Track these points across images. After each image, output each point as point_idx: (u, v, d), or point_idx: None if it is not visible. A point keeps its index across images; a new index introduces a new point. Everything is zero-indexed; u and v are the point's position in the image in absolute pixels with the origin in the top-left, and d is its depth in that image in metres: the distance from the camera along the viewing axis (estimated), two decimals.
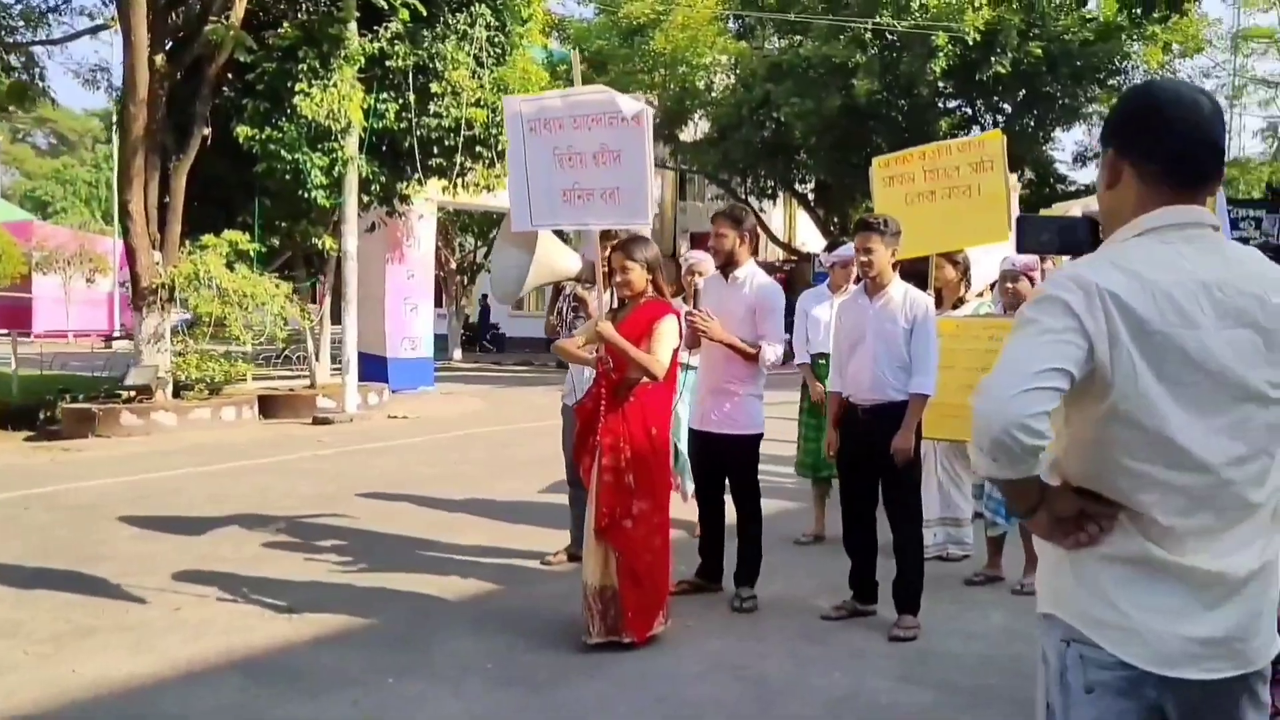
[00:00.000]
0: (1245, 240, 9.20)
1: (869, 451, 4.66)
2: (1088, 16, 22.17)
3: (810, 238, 30.72)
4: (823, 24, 21.86)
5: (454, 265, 26.48)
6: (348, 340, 13.18)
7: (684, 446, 5.67)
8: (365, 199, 13.54)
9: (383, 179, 13.27)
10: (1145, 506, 1.66)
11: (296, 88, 11.63)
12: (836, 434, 4.85)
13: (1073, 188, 25.20)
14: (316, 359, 14.25)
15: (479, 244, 26.81)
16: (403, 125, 12.75)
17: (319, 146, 11.95)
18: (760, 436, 5.08)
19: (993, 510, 5.43)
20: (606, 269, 4.64)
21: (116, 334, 26.91)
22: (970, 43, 20.14)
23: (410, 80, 12.57)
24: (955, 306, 5.77)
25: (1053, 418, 1.61)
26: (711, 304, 5.03)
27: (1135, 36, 21.67)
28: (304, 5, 12.49)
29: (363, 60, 12.19)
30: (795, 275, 26.87)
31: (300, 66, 11.77)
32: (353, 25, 12.17)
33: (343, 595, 5.14)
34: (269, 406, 12.85)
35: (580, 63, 5.26)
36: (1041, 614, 1.81)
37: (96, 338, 26.78)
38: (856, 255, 4.80)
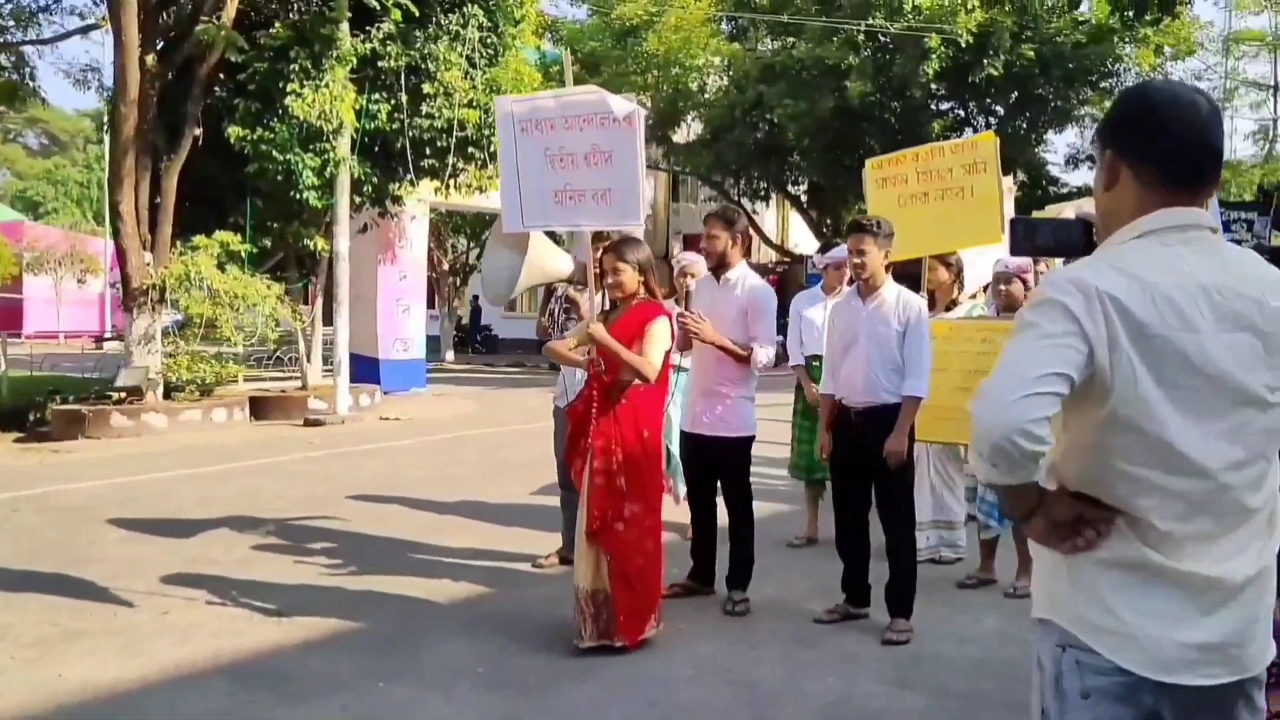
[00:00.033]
0: (1238, 242, 9.19)
1: (862, 454, 4.64)
2: (1080, 19, 22.25)
3: (803, 239, 30.76)
4: (816, 26, 21.87)
5: (446, 266, 26.44)
6: (339, 341, 13.14)
7: (676, 449, 5.64)
8: (357, 200, 13.50)
9: (375, 180, 13.23)
10: (1143, 511, 1.65)
11: (288, 88, 11.59)
12: (829, 437, 4.84)
13: (1065, 190, 25.28)
14: (308, 360, 14.21)
15: (471, 245, 26.78)
16: (395, 126, 12.71)
17: (311, 147, 11.91)
18: (752, 439, 5.06)
19: (985, 513, 5.42)
20: (598, 270, 4.62)
21: (108, 335, 26.77)
22: (963, 45, 20.18)
23: (402, 81, 12.54)
24: (948, 308, 5.76)
25: (1051, 422, 1.59)
26: (703, 306, 5.01)
27: (1127, 39, 21.74)
28: (296, 5, 12.45)
29: (355, 61, 12.15)
30: (788, 277, 26.89)
31: (292, 67, 11.73)
32: (344, 25, 12.13)
33: (333, 598, 5.10)
34: (260, 408, 12.80)
35: (573, 64, 5.23)
36: (1037, 619, 1.79)
37: (87, 339, 26.65)
38: (849, 257, 4.78)
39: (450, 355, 25.48)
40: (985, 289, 6.16)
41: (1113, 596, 1.65)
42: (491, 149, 12.75)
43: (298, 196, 12.04)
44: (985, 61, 20.86)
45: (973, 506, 5.61)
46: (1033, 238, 2.00)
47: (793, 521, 6.64)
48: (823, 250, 7.00)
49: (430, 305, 22.39)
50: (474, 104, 12.81)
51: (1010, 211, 6.91)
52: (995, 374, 1.62)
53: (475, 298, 28.61)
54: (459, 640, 4.53)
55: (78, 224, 34.78)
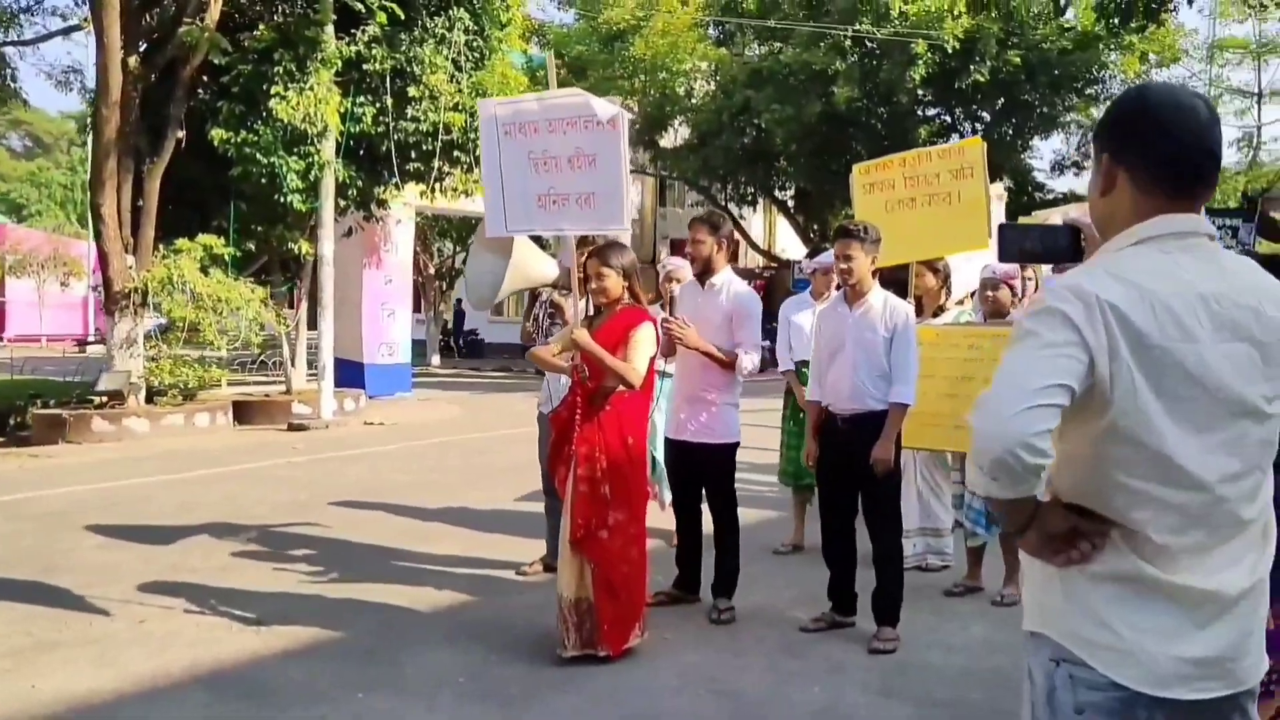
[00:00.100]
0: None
1: (848, 461, 4.60)
2: (1066, 26, 22.36)
3: (790, 244, 30.79)
4: (803, 31, 21.91)
5: (432, 271, 26.35)
6: (323, 346, 13.05)
7: (661, 455, 5.60)
8: (342, 203, 13.41)
9: (360, 183, 13.15)
10: (1139, 524, 1.62)
11: (272, 90, 11.50)
12: (816, 444, 4.80)
13: (1051, 196, 25.38)
14: (292, 365, 14.11)
15: (457, 249, 26.68)
16: (380, 129, 12.63)
17: (295, 150, 11.82)
18: (737, 445, 5.02)
19: (973, 520, 5.39)
20: (582, 275, 4.57)
21: (90, 338, 26.59)
22: (949, 51, 20.24)
23: (388, 84, 12.46)
24: (936, 314, 5.73)
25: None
26: (688, 311, 4.97)
27: (1113, 46, 21.85)
28: (280, 7, 12.37)
29: (339, 63, 12.07)
30: (775, 282, 26.90)
31: (276, 69, 11.65)
32: (329, 28, 12.05)
33: (313, 607, 5.03)
34: (244, 412, 12.71)
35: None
36: (1029, 632, 1.76)
37: (70, 342, 26.44)
38: (836, 263, 4.75)
39: (436, 359, 25.38)
40: (972, 295, 6.14)
41: (1107, 610, 1.63)
42: (477, 153, 12.65)
43: (282, 200, 11.94)
44: (972, 67, 20.94)
45: (960, 514, 5.58)
46: (1021, 243, 1.97)
47: (779, 528, 6.60)
48: (811, 255, 6.97)
49: (416, 309, 22.31)
50: (460, 107, 12.74)
51: (1001, 217, 6.91)
52: (995, 385, 1.58)
53: (459, 301, 28.51)
54: (441, 649, 4.47)
55: (61, 227, 34.54)
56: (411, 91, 12.62)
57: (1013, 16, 21.54)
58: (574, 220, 4.42)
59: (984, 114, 23.90)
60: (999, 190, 8.13)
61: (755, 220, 31.55)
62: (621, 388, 4.32)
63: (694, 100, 25.17)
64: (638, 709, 3.90)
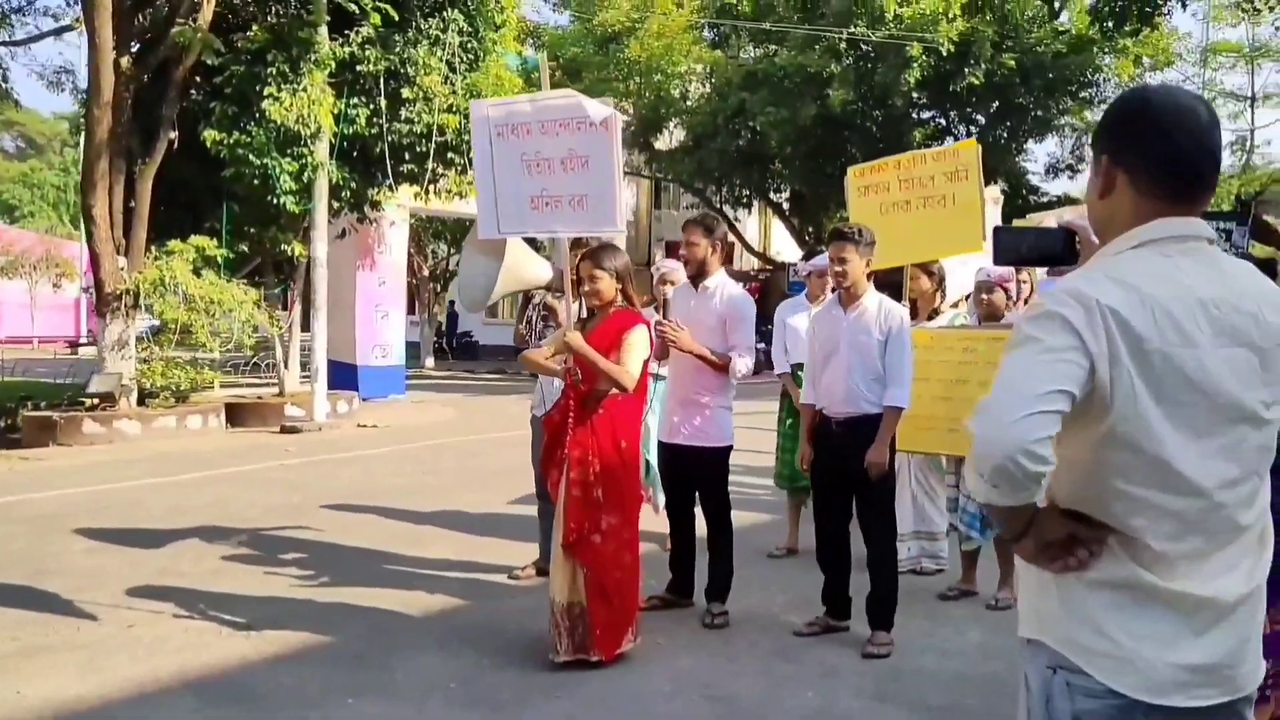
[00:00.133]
0: None
1: (843, 465, 4.58)
2: (1060, 29, 22.39)
3: (785, 247, 30.78)
4: (798, 33, 21.91)
5: (426, 272, 26.30)
6: (317, 348, 13.00)
7: (654, 458, 5.57)
8: (336, 205, 13.37)
9: (353, 185, 13.10)
10: (1137, 531, 1.60)
11: (265, 92, 11.45)
12: (810, 447, 4.77)
13: (1045, 199, 25.39)
14: (285, 367, 14.06)
15: (452, 251, 26.62)
16: (374, 131, 12.59)
17: (288, 151, 11.77)
18: (730, 449, 4.99)
19: (967, 524, 5.37)
20: (575, 278, 4.54)
21: (83, 340, 26.49)
22: (944, 54, 20.24)
23: (381, 85, 12.41)
24: (930, 317, 5.72)
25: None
26: (681, 314, 4.94)
27: (1107, 49, 21.87)
28: (273, 8, 12.32)
29: (333, 65, 12.02)
30: (770, 284, 26.89)
31: (269, 70, 11.59)
32: (323, 29, 12.00)
33: (303, 611, 4.99)
34: (236, 415, 12.65)
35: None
36: (1025, 639, 1.75)
37: (62, 344, 26.34)
38: (830, 265, 4.73)
39: (430, 361, 25.32)
40: (967, 298, 6.13)
41: (1105, 617, 1.61)
42: (471, 154, 12.58)
43: (275, 201, 11.89)
44: (966, 70, 20.95)
45: (954, 517, 5.56)
46: (1016, 246, 1.96)
47: (774, 532, 6.57)
48: (806, 258, 6.96)
49: (410, 311, 22.25)
50: (454, 109, 12.70)
51: (997, 220, 6.90)
52: (995, 390, 1.56)
53: (452, 303, 28.45)
54: (432, 654, 4.44)
55: (54, 228, 34.43)
56: (405, 93, 12.58)
57: (1007, 20, 21.56)
58: (567, 222, 4.39)
59: (979, 117, 23.92)
60: (995, 193, 8.12)
61: (750, 223, 31.56)
62: (615, 391, 4.29)
63: (689, 103, 25.14)
64: (630, 714, 3.87)
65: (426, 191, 13.70)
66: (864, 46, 21.34)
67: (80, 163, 12.33)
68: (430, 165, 13.10)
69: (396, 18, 12.14)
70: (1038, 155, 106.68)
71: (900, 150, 9.29)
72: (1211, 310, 1.59)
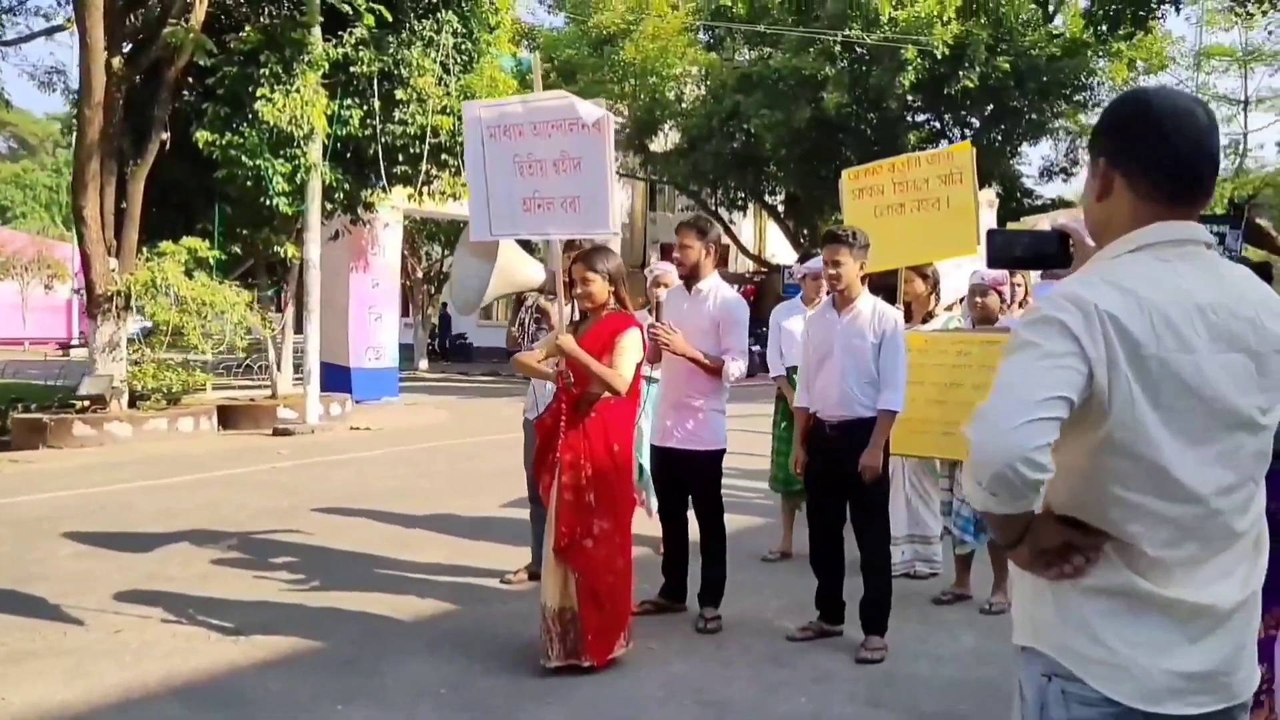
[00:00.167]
0: None
1: (836, 468, 4.55)
2: (1054, 32, 22.43)
3: (780, 249, 30.80)
4: (793, 36, 21.91)
5: (420, 274, 26.24)
6: (309, 350, 12.95)
7: (647, 461, 5.54)
8: (329, 207, 13.33)
9: (347, 186, 13.07)
10: (1134, 538, 1.59)
11: (258, 93, 11.41)
12: (804, 451, 4.74)
13: (1040, 202, 25.44)
14: (278, 369, 14.01)
15: (446, 252, 26.57)
16: (367, 132, 12.56)
17: (281, 153, 11.73)
18: (723, 452, 4.96)
19: (961, 528, 5.35)
20: (567, 280, 4.51)
21: (74, 342, 26.40)
22: (939, 57, 20.28)
23: (375, 86, 12.38)
24: (925, 320, 5.70)
25: None
26: (674, 317, 4.91)
27: (1101, 53, 21.94)
28: (266, 9, 12.28)
29: (326, 66, 11.99)
30: (765, 287, 26.91)
31: (262, 71, 11.56)
32: (316, 30, 11.97)
33: (293, 616, 4.95)
34: (229, 417, 12.59)
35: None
36: (1019, 646, 1.73)
37: (53, 346, 26.24)
38: (824, 268, 4.71)
39: (424, 364, 25.27)
40: (961, 301, 6.11)
41: (1100, 625, 1.60)
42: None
43: (268, 203, 11.86)
44: (961, 74, 20.98)
45: (948, 521, 5.53)
46: (1010, 250, 1.94)
47: (768, 535, 6.54)
48: (801, 260, 6.95)
49: (404, 313, 22.20)
50: (448, 110, 12.67)
51: (992, 223, 6.88)
52: (994, 397, 1.54)
53: (445, 305, 28.39)
54: (422, 660, 4.40)
55: (46, 229, 34.33)
56: (399, 94, 12.56)
57: (1002, 23, 21.60)
58: (559, 224, 4.36)
59: (973, 120, 23.95)
60: (990, 196, 8.10)
61: (745, 225, 31.57)
62: (607, 394, 4.26)
63: (684, 105, 25.15)
64: None
65: (420, 193, 13.67)
66: (859, 49, 21.37)
67: (71, 163, 12.26)
68: (424, 167, 13.07)
69: (390, 19, 12.11)
70: (1032, 158, 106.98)
71: (895, 153, 9.28)
72: (1209, 315, 1.58)
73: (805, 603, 4.88)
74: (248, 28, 12.02)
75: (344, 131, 12.41)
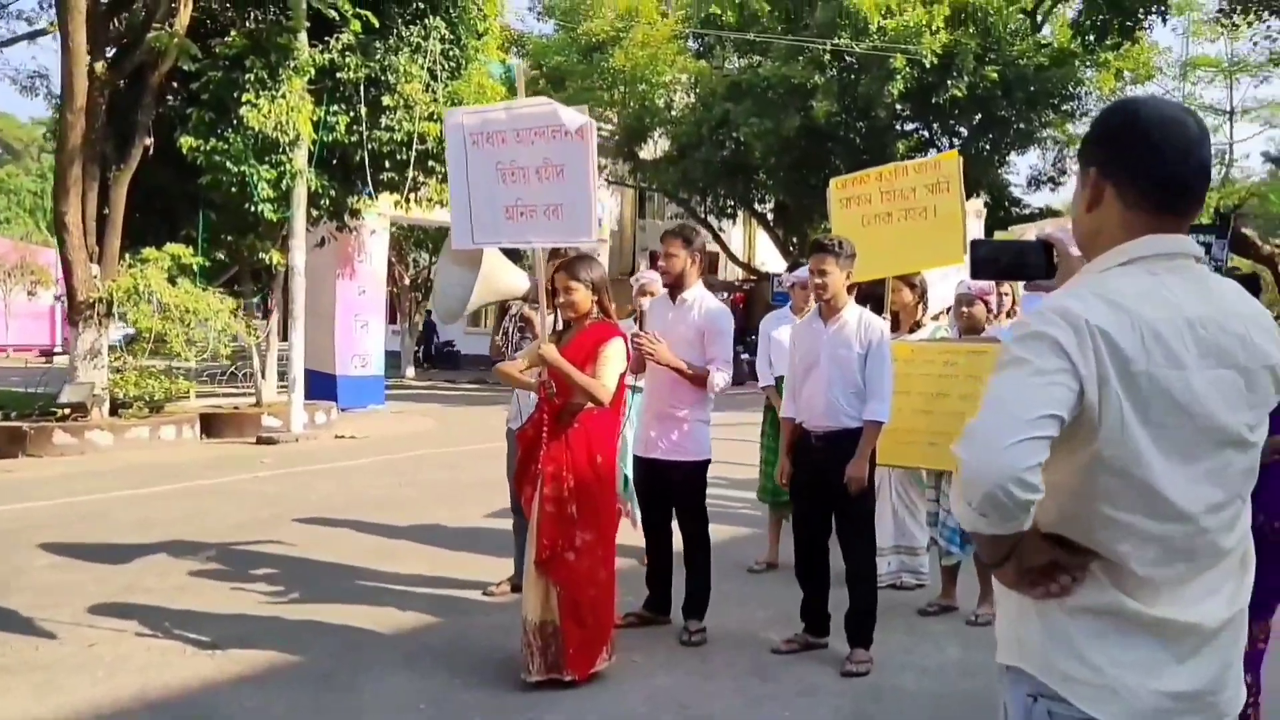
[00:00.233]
0: None
1: (822, 479, 4.51)
2: (1043, 42, 22.50)
3: (769, 257, 30.79)
4: (782, 44, 21.93)
5: (407, 281, 26.11)
6: (294, 357, 12.84)
7: (631, 471, 5.48)
8: (315, 213, 13.24)
9: (333, 193, 12.98)
10: (1122, 557, 1.56)
11: (243, 98, 11.33)
12: (789, 461, 4.69)
13: (1027, 210, 25.50)
14: (263, 376, 13.89)
15: (433, 260, 26.44)
16: (354, 138, 12.48)
17: (266, 159, 11.64)
18: (708, 462, 4.91)
19: (947, 539, 5.31)
20: (550, 289, 4.45)
21: (57, 349, 26.19)
22: (927, 66, 20.32)
23: (362, 93, 12.31)
24: (912, 330, 5.66)
25: None
26: (658, 326, 4.86)
27: (1089, 63, 22.02)
28: (252, 14, 12.21)
29: (313, 71, 11.91)
30: (754, 295, 26.88)
31: (247, 76, 11.48)
32: (303, 35, 11.89)
33: (270, 629, 4.87)
34: (212, 425, 12.48)
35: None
36: (1004, 665, 1.70)
37: (35, 352, 26.03)
38: (810, 278, 4.66)
39: (411, 371, 25.13)
40: (948, 310, 6.08)
41: (1087, 644, 1.57)
42: None
43: (252, 209, 11.77)
44: (949, 83, 21.02)
45: (934, 532, 5.49)
46: (994, 260, 1.90)
47: (753, 545, 6.49)
48: (791, 269, 6.91)
49: (391, 320, 22.08)
50: (435, 117, 12.58)
51: (979, 232, 6.85)
52: (984, 414, 1.50)
53: (429, 313, 28.25)
54: (401, 674, 4.33)
55: (29, 235, 34.08)
56: (386, 100, 12.49)
57: (990, 32, 21.65)
58: (542, 232, 4.30)
59: (961, 129, 24.01)
60: (977, 206, 8.08)
61: (735, 233, 31.57)
62: (590, 405, 4.20)
63: (673, 112, 25.14)
64: None
65: (407, 200, 13.60)
66: (848, 58, 21.38)
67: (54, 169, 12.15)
68: (411, 173, 13.01)
69: (377, 24, 12.06)
70: (1020, 167, 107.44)
71: (884, 162, 9.26)
72: (1198, 330, 1.55)
73: (791, 614, 4.83)
74: (233, 32, 11.95)
75: (330, 138, 12.34)
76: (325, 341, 15.77)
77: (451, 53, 13.13)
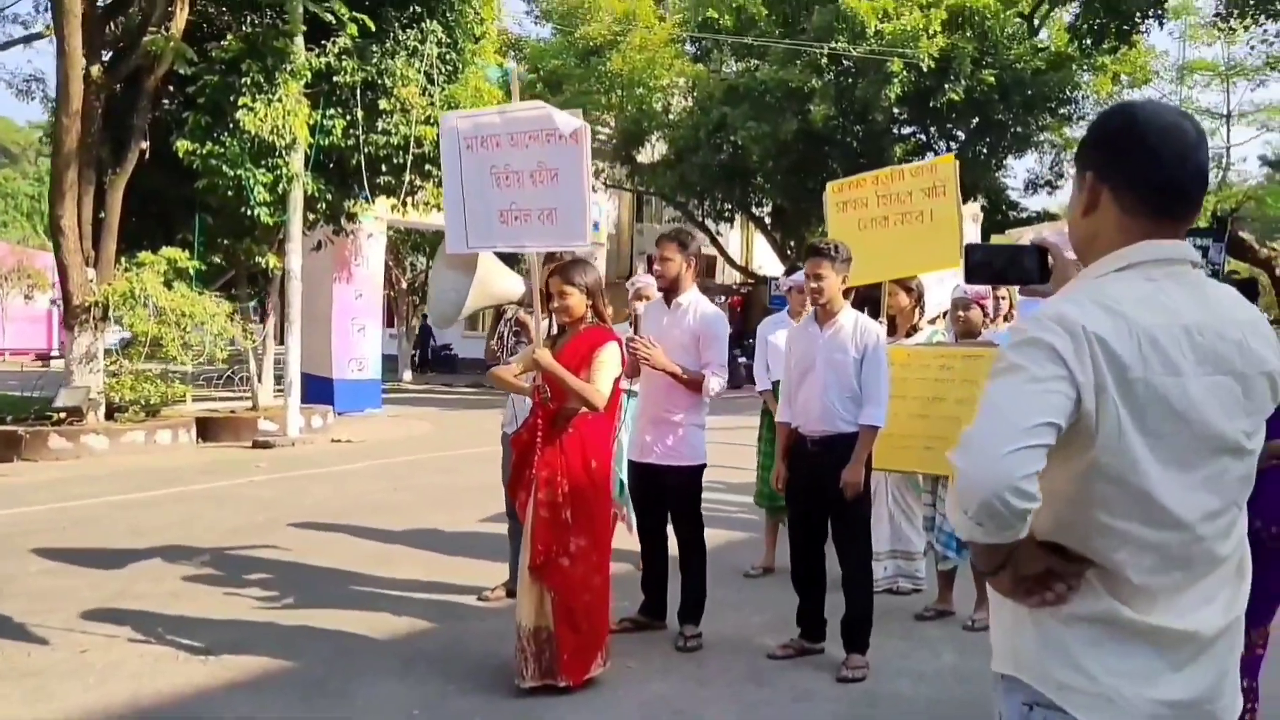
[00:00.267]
0: None
1: (818, 484, 4.49)
2: (1039, 46, 22.55)
3: (767, 261, 30.80)
4: (779, 48, 21.94)
5: (404, 285, 26.11)
6: (290, 361, 12.82)
7: (626, 476, 5.46)
8: (311, 217, 13.22)
9: (329, 197, 12.96)
10: (1118, 565, 1.54)
11: (240, 102, 11.31)
12: (785, 466, 4.68)
13: (1024, 214, 25.51)
14: (259, 380, 13.86)
15: (430, 263, 26.42)
16: (350, 142, 12.47)
17: (263, 162, 11.62)
18: (703, 467, 4.89)
19: (943, 544, 5.29)
20: (545, 293, 4.44)
21: (53, 353, 26.14)
22: (924, 69, 20.33)
23: (358, 96, 12.30)
24: (909, 334, 5.65)
25: None
26: (653, 330, 4.84)
27: (1085, 67, 22.07)
28: (248, 17, 12.19)
29: (309, 75, 11.90)
30: (752, 298, 26.88)
31: (244, 80, 11.45)
32: (299, 39, 11.88)
33: (263, 635, 4.84)
34: (208, 429, 12.45)
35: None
36: (999, 674, 1.68)
37: (32, 356, 25.98)
38: (806, 282, 4.65)
39: (408, 375, 25.12)
40: (944, 315, 6.07)
41: (1082, 653, 1.56)
42: None
43: (249, 213, 11.74)
44: (946, 86, 21.04)
45: (931, 536, 5.48)
46: (989, 265, 1.88)
47: (750, 550, 6.47)
48: (788, 273, 6.90)
49: (388, 324, 22.06)
50: (431, 121, 12.56)
51: (976, 236, 6.84)
52: (980, 422, 1.48)
53: (425, 317, 28.22)
54: (394, 680, 4.30)
55: (26, 238, 34.03)
56: (383, 104, 12.47)
57: (987, 36, 21.68)
58: (536, 236, 4.29)
59: (958, 133, 24.03)
60: (974, 210, 8.07)
61: (732, 237, 31.57)
62: (585, 410, 4.19)
63: (671, 116, 25.15)
64: None
65: (404, 203, 13.58)
66: (845, 62, 21.41)
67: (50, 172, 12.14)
68: (407, 177, 12.99)
69: (374, 28, 12.05)
70: (1017, 171, 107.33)
71: (881, 165, 9.26)
72: (1195, 337, 1.54)
73: (787, 619, 4.81)
74: (229, 36, 11.93)
75: (326, 141, 12.32)
76: (322, 345, 15.76)
77: (448, 56, 13.12)
